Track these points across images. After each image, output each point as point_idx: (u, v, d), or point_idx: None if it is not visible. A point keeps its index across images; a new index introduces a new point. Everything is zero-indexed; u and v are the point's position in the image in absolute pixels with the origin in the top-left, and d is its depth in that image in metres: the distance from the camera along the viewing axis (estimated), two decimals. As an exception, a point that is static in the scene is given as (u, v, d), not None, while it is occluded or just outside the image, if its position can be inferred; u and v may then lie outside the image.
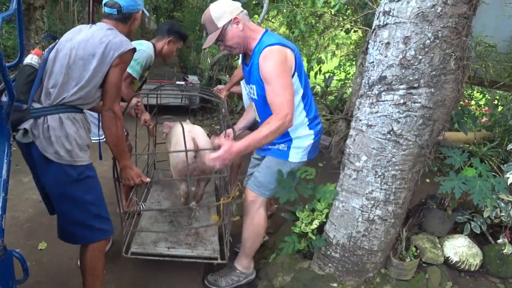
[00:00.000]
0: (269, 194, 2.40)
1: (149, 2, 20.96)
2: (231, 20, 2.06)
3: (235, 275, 2.59)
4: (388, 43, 1.86)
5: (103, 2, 2.05)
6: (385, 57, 1.87)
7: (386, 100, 1.89)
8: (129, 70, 2.77)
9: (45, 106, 1.84)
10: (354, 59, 6.91)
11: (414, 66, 1.81)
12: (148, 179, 2.30)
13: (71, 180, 1.90)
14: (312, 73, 5.59)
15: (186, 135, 2.42)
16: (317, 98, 6.00)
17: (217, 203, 2.81)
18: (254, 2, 6.31)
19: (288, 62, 2.05)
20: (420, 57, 1.79)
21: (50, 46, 2.03)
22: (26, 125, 1.78)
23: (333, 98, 6.21)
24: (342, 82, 6.65)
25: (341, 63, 6.37)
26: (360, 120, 2.03)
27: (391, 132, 1.92)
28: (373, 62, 1.94)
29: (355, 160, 2.09)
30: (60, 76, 1.85)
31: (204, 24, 2.14)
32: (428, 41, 1.77)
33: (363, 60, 5.41)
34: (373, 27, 1.97)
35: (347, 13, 6.20)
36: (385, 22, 1.87)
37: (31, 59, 1.87)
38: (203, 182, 2.91)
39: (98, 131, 2.54)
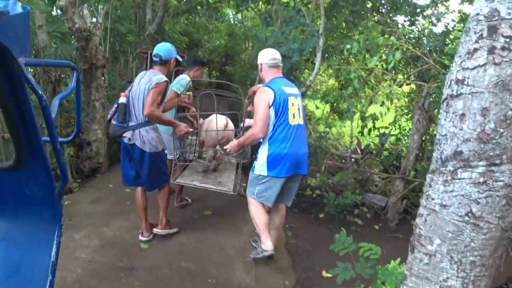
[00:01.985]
0: (253, 195, 3.37)
1: (202, 56, 22.03)
2: (259, 63, 3.44)
3: (257, 250, 3.58)
4: (463, 114, 1.68)
5: (152, 54, 3.52)
6: (460, 130, 1.69)
7: (463, 178, 1.69)
8: (175, 89, 4.10)
9: (137, 123, 3.35)
10: (408, 113, 6.65)
11: (494, 141, 1.61)
12: (191, 129, 3.92)
13: (157, 159, 3.50)
14: (366, 130, 5.40)
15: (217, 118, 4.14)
16: (372, 156, 5.76)
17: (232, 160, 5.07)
18: (304, 58, 6.33)
19: (266, 98, 3.16)
20: (502, 130, 1.60)
21: (128, 88, 3.49)
22: (129, 135, 3.36)
23: (388, 154, 5.93)
24: (396, 137, 6.37)
25: (396, 118, 6.14)
26: (433, 199, 1.82)
27: (470, 214, 1.69)
28: (446, 135, 1.76)
29: (426, 243, 1.85)
30: (138, 105, 3.31)
31: None
32: (510, 113, 1.59)
33: (420, 116, 5.17)
34: (444, 96, 1.81)
35: (399, 67, 6.06)
36: (458, 92, 1.70)
37: (122, 99, 3.33)
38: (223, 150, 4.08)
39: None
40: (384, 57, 5.10)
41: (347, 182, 5.20)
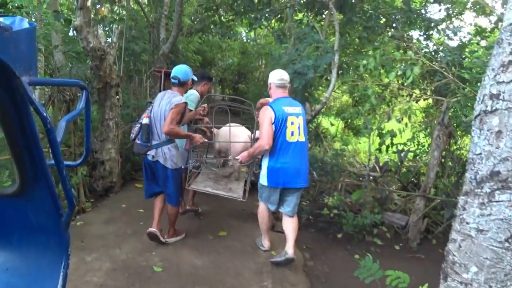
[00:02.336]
0: (264, 200, 3.87)
1: (215, 75, 22.13)
2: (269, 82, 3.86)
3: (259, 239, 4.25)
4: (499, 131, 1.55)
5: (171, 76, 3.77)
6: (497, 148, 1.56)
7: (502, 201, 1.55)
8: (189, 106, 4.19)
9: (159, 142, 3.69)
10: (426, 129, 6.48)
11: (535, 160, 1.48)
12: (205, 140, 4.19)
13: (177, 175, 3.80)
14: (383, 147, 5.25)
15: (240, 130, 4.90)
16: (391, 174, 5.59)
17: (243, 169, 5.34)
18: (318, 75, 6.23)
19: (268, 115, 3.57)
20: (543, 148, 1.47)
21: (149, 108, 3.83)
22: (152, 153, 3.68)
23: (406, 171, 5.76)
24: (414, 154, 6.17)
25: (415, 134, 5.95)
26: (468, 223, 1.67)
27: (510, 240, 1.55)
28: (480, 154, 1.62)
29: (461, 270, 1.70)
30: (159, 125, 3.64)
31: None
32: (551, 129, 1.45)
33: (440, 131, 5.02)
34: (476, 112, 1.69)
35: (415, 82, 5.93)
36: (493, 107, 1.58)
37: (146, 120, 3.68)
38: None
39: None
40: (400, 72, 5.00)
41: (366, 201, 5.03)
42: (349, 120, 12.08)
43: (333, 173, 5.47)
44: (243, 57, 18.89)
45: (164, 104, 3.63)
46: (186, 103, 3.68)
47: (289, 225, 3.83)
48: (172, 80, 3.75)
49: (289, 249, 3.72)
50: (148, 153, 3.69)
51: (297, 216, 3.96)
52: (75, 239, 4.11)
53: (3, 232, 1.30)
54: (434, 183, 5.03)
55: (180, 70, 3.78)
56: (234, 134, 4.68)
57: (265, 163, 3.73)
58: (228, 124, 4.65)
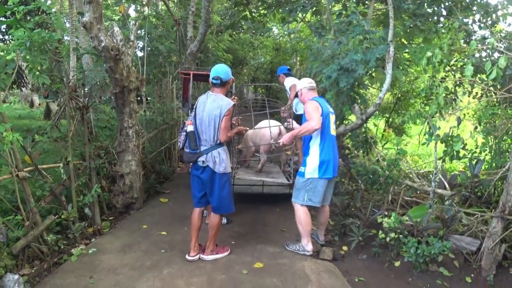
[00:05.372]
0: (301, 201, 3.98)
1: (247, 74, 21.46)
2: (299, 89, 4.20)
3: (298, 245, 4.13)
4: None
5: (211, 77, 3.66)
6: None
7: None
8: None
9: (208, 147, 3.63)
10: (495, 133, 5.45)
11: None
12: (246, 128, 4.39)
13: (226, 180, 3.74)
14: (447, 158, 4.33)
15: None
16: (459, 189, 4.63)
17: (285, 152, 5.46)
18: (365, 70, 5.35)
19: (317, 106, 3.84)
20: None
21: (192, 114, 3.77)
22: (203, 158, 3.62)
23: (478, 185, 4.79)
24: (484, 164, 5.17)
25: (487, 140, 4.95)
26: None
27: None
28: None
29: None
30: (207, 130, 3.61)
31: None
32: None
33: (521, 137, 4.08)
34: None
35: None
36: None
37: (190, 128, 3.64)
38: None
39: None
40: (460, 64, 4.08)
41: (429, 224, 4.13)
42: (391, 119, 11.04)
43: (386, 186, 4.62)
44: (276, 54, 18.09)
45: (212, 108, 3.57)
46: (234, 105, 3.68)
47: (324, 218, 4.30)
48: (214, 81, 3.66)
49: (321, 236, 4.33)
50: (199, 159, 3.63)
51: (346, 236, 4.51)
52: (84, 273, 3.47)
53: None
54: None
55: (222, 70, 3.69)
56: (265, 131, 4.96)
57: (315, 156, 3.90)
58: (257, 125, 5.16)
